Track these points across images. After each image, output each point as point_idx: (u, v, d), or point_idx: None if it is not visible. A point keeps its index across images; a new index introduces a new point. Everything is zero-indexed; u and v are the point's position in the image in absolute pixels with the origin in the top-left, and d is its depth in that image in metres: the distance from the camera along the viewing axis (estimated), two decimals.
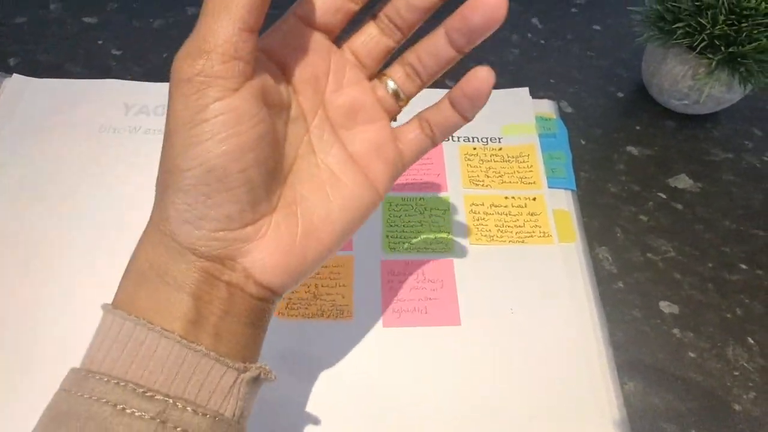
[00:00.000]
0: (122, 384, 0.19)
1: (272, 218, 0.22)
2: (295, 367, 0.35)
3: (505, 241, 0.41)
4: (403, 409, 0.34)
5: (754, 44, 0.42)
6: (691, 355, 0.38)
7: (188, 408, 0.19)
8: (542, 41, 0.58)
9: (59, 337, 0.36)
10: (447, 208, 0.43)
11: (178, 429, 0.19)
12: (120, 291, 0.21)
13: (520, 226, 0.42)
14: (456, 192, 0.44)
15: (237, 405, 0.20)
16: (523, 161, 0.46)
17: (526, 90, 0.51)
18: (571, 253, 0.41)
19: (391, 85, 0.24)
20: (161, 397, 0.19)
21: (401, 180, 0.44)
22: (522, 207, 0.43)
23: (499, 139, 0.47)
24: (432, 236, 0.41)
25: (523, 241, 0.41)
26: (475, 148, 0.47)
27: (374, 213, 0.41)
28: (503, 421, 0.34)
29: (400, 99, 0.24)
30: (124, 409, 0.18)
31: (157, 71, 0.54)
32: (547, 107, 0.51)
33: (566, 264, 0.40)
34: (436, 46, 0.23)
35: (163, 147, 0.20)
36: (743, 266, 0.43)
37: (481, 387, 0.35)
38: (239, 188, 0.20)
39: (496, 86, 0.54)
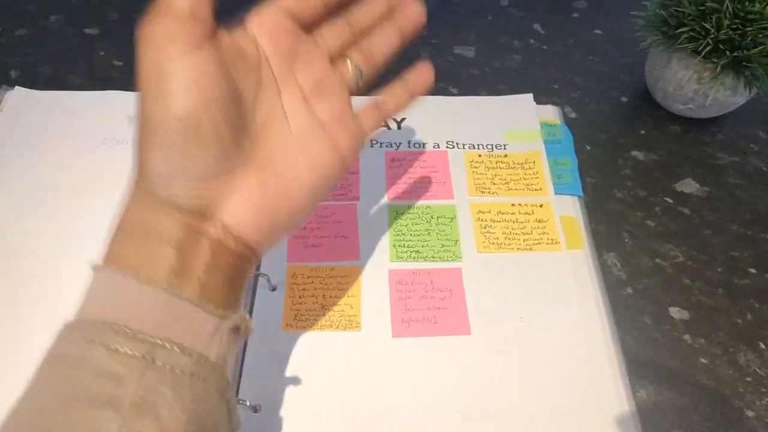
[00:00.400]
0: (114, 328, 0.20)
1: (245, 173, 0.23)
2: (304, 379, 0.35)
3: (513, 249, 0.41)
4: (413, 420, 0.34)
5: (759, 48, 0.42)
6: (703, 361, 0.38)
7: (175, 348, 0.21)
8: (544, 47, 0.58)
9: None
10: (454, 216, 0.43)
11: (166, 366, 0.20)
12: (107, 251, 0.23)
13: (527, 234, 0.42)
14: (462, 200, 0.44)
15: (220, 350, 0.22)
16: (529, 168, 0.45)
17: (529, 96, 0.51)
18: (580, 260, 0.41)
19: (351, 63, 0.27)
20: (150, 339, 0.20)
21: (407, 187, 0.44)
22: (529, 214, 0.43)
23: (504, 146, 0.47)
24: (439, 245, 0.41)
25: (531, 249, 0.41)
26: (480, 156, 0.46)
27: (381, 222, 0.41)
28: (515, 430, 0.33)
29: (359, 78, 0.28)
30: (117, 349, 0.20)
31: None
32: (551, 113, 0.51)
33: (575, 270, 0.40)
34: (385, 34, 0.28)
35: (137, 108, 0.22)
36: (752, 270, 0.42)
37: (492, 395, 0.35)
38: (209, 140, 0.22)
39: (500, 92, 0.54)
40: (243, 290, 0.25)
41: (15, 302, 0.38)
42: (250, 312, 0.38)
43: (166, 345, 0.20)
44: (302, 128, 0.25)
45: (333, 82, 0.26)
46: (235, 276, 0.24)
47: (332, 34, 0.27)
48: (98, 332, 0.20)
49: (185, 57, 0.21)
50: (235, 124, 0.23)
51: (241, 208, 0.23)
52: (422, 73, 0.30)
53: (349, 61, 0.27)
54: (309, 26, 0.26)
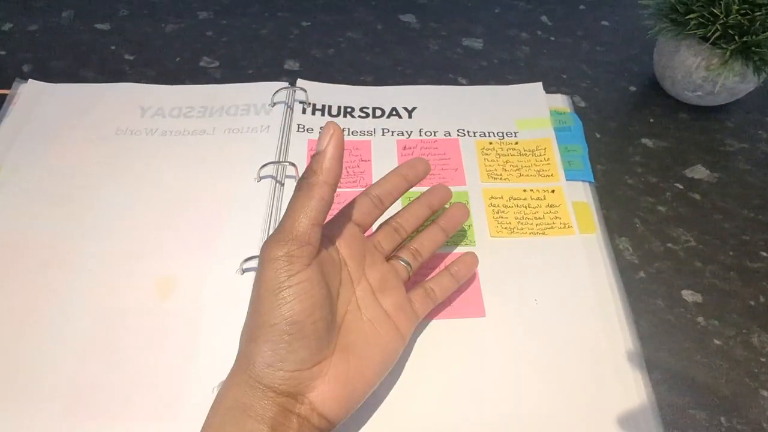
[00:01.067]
0: None
1: (331, 361, 0.28)
2: None
3: (525, 233, 0.41)
4: (429, 401, 0.34)
5: (767, 33, 0.42)
6: (717, 342, 0.38)
7: None
8: (552, 38, 0.59)
9: (76, 339, 0.36)
10: (466, 202, 0.43)
11: None
12: (207, 426, 0.27)
13: (539, 218, 0.42)
14: (474, 186, 0.44)
15: None
16: (540, 154, 0.46)
17: (539, 84, 0.51)
18: (593, 244, 0.41)
19: (403, 261, 0.34)
20: None
21: None
22: (541, 199, 0.43)
23: (515, 133, 0.48)
24: None
25: (543, 233, 0.41)
26: (491, 143, 0.47)
27: (394, 208, 0.42)
28: (531, 412, 0.33)
29: (409, 271, 0.34)
30: None
31: (171, 75, 0.54)
32: (561, 101, 0.51)
33: (588, 254, 0.40)
34: (432, 235, 0.36)
35: (252, 308, 0.27)
36: (764, 254, 0.42)
37: (509, 377, 0.35)
38: (310, 336, 0.27)
39: (508, 83, 0.55)
40: None
41: (30, 290, 0.38)
42: None
43: None
44: (373, 318, 0.31)
45: (393, 278, 0.33)
46: None
47: (386, 241, 0.34)
48: None
49: (301, 274, 0.26)
50: (328, 321, 0.28)
51: (328, 389, 0.28)
52: (467, 263, 0.37)
53: (400, 260, 0.34)
54: (366, 227, 0.33)
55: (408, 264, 0.34)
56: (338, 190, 0.43)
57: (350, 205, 0.32)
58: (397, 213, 0.35)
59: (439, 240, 0.36)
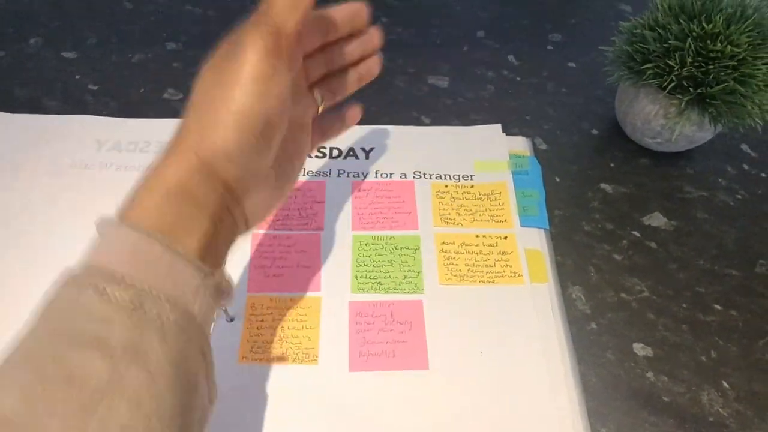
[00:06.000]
0: (104, 272, 0.21)
1: (268, 172, 0.28)
2: (258, 413, 0.34)
3: (475, 281, 0.41)
4: None
5: (721, 86, 0.42)
6: (666, 399, 0.38)
7: (161, 296, 0.22)
8: (518, 78, 0.59)
9: None
10: (418, 247, 0.42)
11: (154, 313, 0.21)
12: (136, 202, 0.24)
13: (490, 266, 0.41)
14: (427, 230, 0.43)
15: (201, 308, 0.23)
16: (495, 199, 0.45)
17: (498, 126, 0.51)
18: (543, 294, 0.41)
19: (318, 94, 0.32)
20: (138, 285, 0.21)
21: (372, 218, 0.44)
22: (493, 246, 0.43)
23: (471, 176, 0.47)
24: (401, 276, 0.41)
25: (493, 281, 0.41)
26: (447, 186, 0.46)
27: (344, 252, 0.41)
28: None
29: (321, 104, 0.33)
30: (105, 291, 0.21)
31: (134, 106, 0.54)
32: (521, 144, 0.51)
33: (537, 305, 0.40)
34: (350, 82, 0.34)
35: (225, 87, 0.24)
36: (717, 307, 0.42)
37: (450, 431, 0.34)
38: (273, 142, 0.26)
39: (472, 122, 0.54)
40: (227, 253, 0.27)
41: None
42: None
43: (153, 292, 0.21)
44: (293, 137, 0.30)
45: (304, 116, 0.32)
46: (228, 249, 0.27)
47: (316, 68, 0.32)
48: (90, 276, 0.21)
49: (287, 73, 0.25)
50: (283, 133, 0.27)
51: (258, 198, 0.28)
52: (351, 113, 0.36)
53: (316, 92, 0.32)
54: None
55: (320, 99, 0.32)
56: (289, 232, 0.43)
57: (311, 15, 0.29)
58: (338, 44, 0.32)
59: (354, 87, 0.34)
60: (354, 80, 0.33)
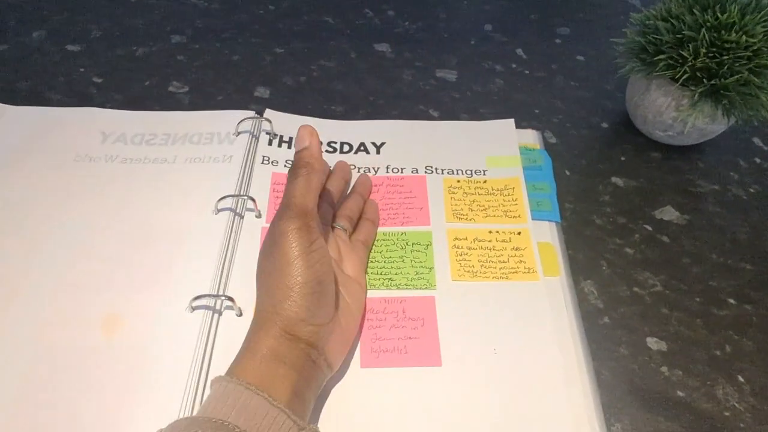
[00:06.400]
0: (226, 424, 0.26)
1: (336, 319, 0.34)
2: None
3: (488, 277, 0.40)
4: None
5: (735, 77, 0.42)
6: (680, 394, 0.37)
7: None
8: (526, 71, 0.58)
9: (12, 374, 0.35)
10: (429, 243, 0.42)
11: None
12: (239, 366, 0.30)
13: (504, 262, 0.41)
14: (439, 226, 0.43)
15: None
16: (508, 194, 0.45)
17: (511, 121, 0.51)
18: (556, 288, 0.40)
19: (340, 226, 0.40)
20: None
21: (383, 213, 0.43)
22: (506, 242, 0.42)
23: (484, 171, 0.47)
24: (413, 272, 0.40)
25: (507, 277, 0.40)
26: (459, 181, 0.46)
27: None
28: None
29: (348, 233, 0.41)
30: None
31: (138, 99, 0.53)
32: (531, 137, 0.50)
33: (551, 300, 0.39)
34: (356, 202, 0.43)
35: (275, 272, 0.31)
36: (731, 301, 0.42)
37: (463, 430, 0.33)
38: (329, 296, 0.32)
39: (481, 116, 0.54)
40: (314, 401, 0.33)
41: None
42: (214, 337, 0.37)
43: None
44: (344, 283, 0.36)
45: (343, 245, 0.39)
46: (317, 390, 0.33)
47: (325, 214, 0.40)
48: (218, 429, 0.26)
49: (319, 240, 0.32)
50: (335, 284, 0.34)
51: (335, 342, 0.33)
52: (365, 184, 0.45)
53: (338, 226, 0.40)
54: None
55: (344, 228, 0.40)
56: None
57: (316, 198, 0.35)
58: (323, 191, 0.41)
59: (361, 203, 0.43)
60: (358, 200, 0.42)
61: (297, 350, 0.31)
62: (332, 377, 0.35)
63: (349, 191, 0.44)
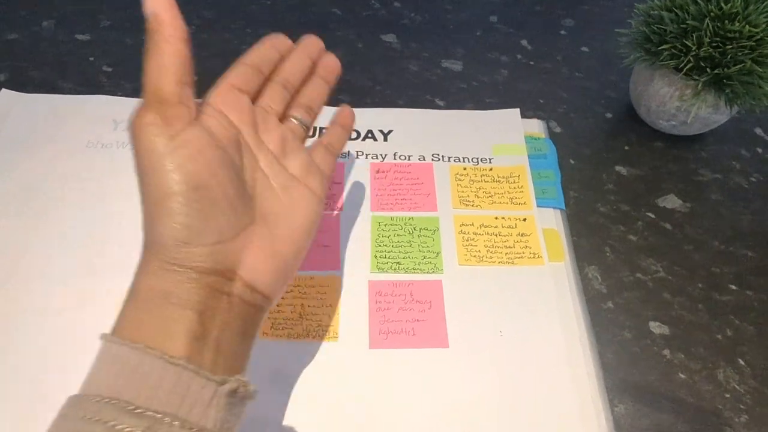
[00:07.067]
0: (113, 402, 0.20)
1: (253, 230, 0.26)
2: (280, 388, 0.34)
3: (494, 262, 0.41)
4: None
5: (738, 66, 0.42)
6: (682, 376, 0.38)
7: (174, 422, 0.20)
8: (531, 62, 0.59)
9: (31, 357, 0.35)
10: (436, 228, 0.43)
11: None
12: (118, 322, 0.23)
13: (509, 247, 0.42)
14: (446, 212, 0.44)
15: (217, 416, 0.22)
16: (514, 182, 0.46)
17: (516, 111, 0.51)
18: (561, 273, 0.41)
19: (296, 119, 0.31)
20: (150, 413, 0.20)
21: (391, 199, 0.44)
22: (512, 228, 0.43)
23: (490, 159, 0.47)
24: (421, 256, 0.41)
25: (512, 262, 0.41)
26: (465, 168, 0.47)
27: (364, 232, 0.41)
28: None
29: (304, 128, 0.32)
30: (114, 425, 0.20)
31: None
32: (536, 127, 0.51)
33: (556, 284, 0.40)
34: (318, 88, 0.33)
35: (143, 186, 0.24)
36: (733, 287, 0.42)
37: (469, 410, 0.34)
38: (222, 201, 0.24)
39: (486, 106, 0.55)
40: (252, 345, 0.26)
41: None
42: None
43: (166, 419, 0.20)
44: (282, 184, 0.28)
45: (291, 140, 0.30)
46: (248, 330, 0.25)
47: (275, 100, 0.30)
48: (98, 410, 0.20)
49: (183, 133, 0.24)
50: (237, 188, 0.26)
51: (257, 260, 0.25)
52: (345, 113, 0.35)
53: (293, 118, 0.31)
54: (255, 96, 0.30)
55: (301, 122, 0.31)
56: None
57: (228, 73, 0.29)
58: (278, 68, 0.31)
59: (325, 91, 0.33)
60: (320, 86, 0.33)
61: (189, 283, 0.23)
62: (340, 357, 0.36)
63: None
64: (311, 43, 0.33)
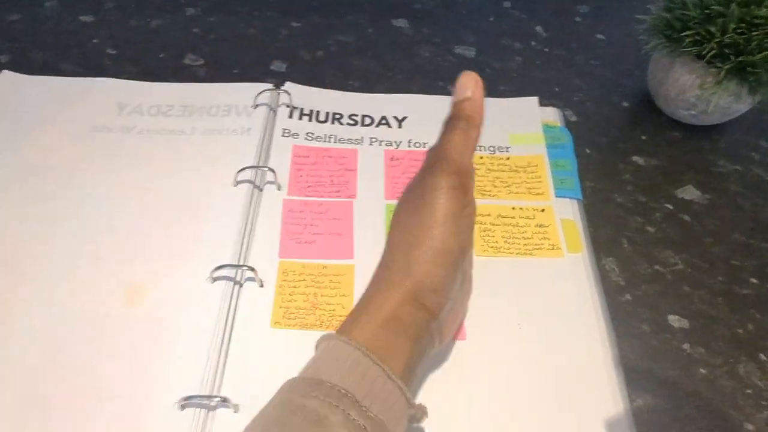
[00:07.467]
0: (349, 396, 0.23)
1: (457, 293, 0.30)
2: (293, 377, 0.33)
3: (512, 254, 0.40)
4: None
5: (764, 53, 0.41)
6: (702, 371, 0.37)
7: (384, 430, 0.24)
8: (546, 49, 0.58)
9: (35, 341, 0.34)
10: None
11: None
12: (355, 325, 0.26)
13: (527, 238, 0.41)
14: None
15: None
16: (532, 171, 0.44)
17: (534, 99, 0.50)
18: (578, 264, 0.40)
19: None
20: (372, 415, 0.24)
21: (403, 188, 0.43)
22: (530, 218, 0.42)
23: (507, 148, 0.46)
24: None
25: (531, 254, 0.40)
26: (482, 158, 0.45)
27: (377, 221, 0.40)
28: None
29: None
30: (349, 415, 0.23)
31: (153, 71, 0.52)
32: (552, 115, 0.50)
33: (574, 276, 0.39)
34: None
35: (426, 229, 0.27)
36: (754, 280, 0.41)
37: (487, 403, 0.33)
38: (466, 269, 0.29)
39: (502, 94, 0.53)
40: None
41: None
42: (235, 308, 0.36)
43: (380, 426, 0.24)
44: (470, 261, 0.32)
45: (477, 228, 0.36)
46: (423, 359, 0.29)
47: None
48: (339, 399, 0.23)
49: (471, 205, 0.28)
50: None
51: (451, 318, 0.30)
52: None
53: None
54: None
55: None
56: (320, 199, 0.42)
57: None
58: None
59: None
60: None
61: (419, 319, 0.27)
62: None
63: None
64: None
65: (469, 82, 0.29)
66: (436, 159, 0.28)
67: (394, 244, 0.28)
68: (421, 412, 0.27)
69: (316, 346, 0.27)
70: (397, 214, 0.29)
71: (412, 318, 0.27)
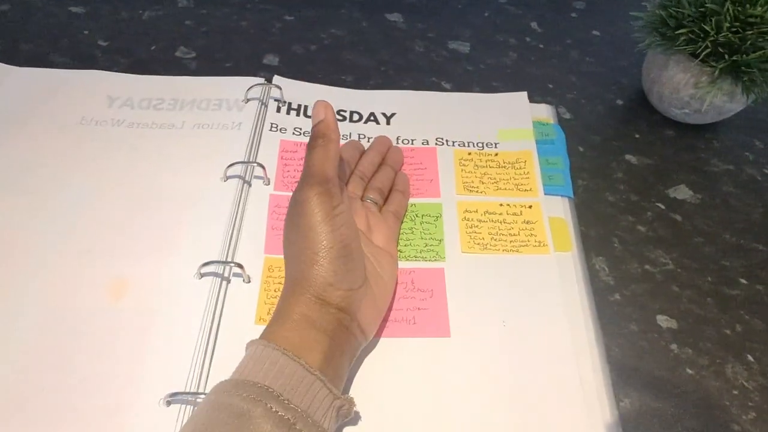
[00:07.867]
0: (269, 390, 0.26)
1: (366, 286, 0.33)
2: None
3: (498, 250, 0.40)
4: (388, 422, 0.32)
5: (758, 53, 0.41)
6: (689, 371, 0.37)
7: (309, 420, 0.26)
8: (541, 45, 0.57)
9: (19, 337, 0.34)
10: (439, 215, 0.41)
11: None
12: (271, 330, 0.30)
13: (514, 235, 0.40)
14: (449, 198, 0.42)
15: (328, 424, 0.28)
16: (520, 168, 0.44)
17: (524, 94, 0.50)
18: (567, 263, 0.40)
19: (370, 199, 0.40)
20: (293, 407, 0.26)
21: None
22: (517, 215, 0.41)
23: (496, 144, 0.46)
24: (422, 244, 0.40)
25: (517, 251, 0.40)
26: (470, 153, 0.45)
27: None
28: None
29: (378, 206, 0.40)
30: (271, 408, 0.26)
31: (144, 64, 0.52)
32: (545, 112, 0.49)
33: (562, 274, 0.39)
34: (387, 174, 0.42)
35: (304, 238, 0.31)
36: (743, 281, 0.41)
37: (470, 401, 0.33)
38: (356, 260, 0.32)
39: (494, 89, 0.53)
40: (349, 369, 0.33)
41: None
42: (222, 304, 0.36)
43: (303, 415, 0.26)
44: (372, 253, 0.36)
45: (372, 217, 0.38)
46: (351, 358, 0.32)
47: (357, 188, 0.40)
48: (261, 394, 0.26)
49: (342, 205, 0.32)
50: (361, 249, 0.33)
51: (367, 310, 0.33)
52: (402, 180, 0.43)
53: (368, 199, 0.40)
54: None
55: (375, 202, 0.40)
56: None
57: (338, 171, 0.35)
58: (358, 163, 0.41)
59: (392, 176, 0.42)
60: (389, 172, 0.42)
61: (328, 315, 0.31)
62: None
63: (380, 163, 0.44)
64: (381, 142, 0.44)
65: (321, 108, 0.33)
66: (302, 177, 0.32)
67: (288, 259, 0.33)
68: (348, 404, 0.29)
69: (246, 351, 0.30)
70: (284, 233, 0.33)
71: (320, 315, 0.30)
